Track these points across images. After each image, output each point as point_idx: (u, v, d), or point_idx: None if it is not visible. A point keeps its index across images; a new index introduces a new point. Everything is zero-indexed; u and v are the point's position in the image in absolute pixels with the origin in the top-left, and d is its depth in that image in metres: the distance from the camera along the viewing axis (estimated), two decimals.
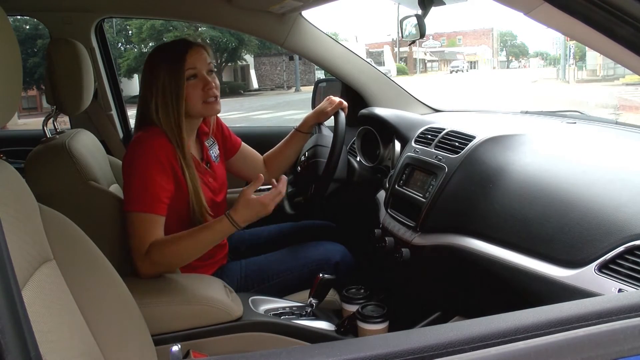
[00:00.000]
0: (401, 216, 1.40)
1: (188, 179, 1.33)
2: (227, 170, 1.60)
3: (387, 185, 1.55)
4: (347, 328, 1.31)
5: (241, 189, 2.01)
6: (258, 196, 1.23)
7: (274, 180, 1.27)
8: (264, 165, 1.71)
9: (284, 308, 1.35)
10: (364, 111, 1.80)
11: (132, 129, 2.29)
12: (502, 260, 1.02)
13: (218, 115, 1.51)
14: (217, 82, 1.39)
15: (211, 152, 1.50)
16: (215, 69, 1.42)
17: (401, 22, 1.75)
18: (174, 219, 1.32)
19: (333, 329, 1.32)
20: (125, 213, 1.28)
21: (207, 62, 1.37)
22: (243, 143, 1.68)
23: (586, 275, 0.84)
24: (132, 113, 2.58)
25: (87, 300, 0.79)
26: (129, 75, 21.71)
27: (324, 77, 2.36)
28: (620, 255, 0.81)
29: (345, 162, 1.60)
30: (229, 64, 24.28)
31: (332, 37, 2.04)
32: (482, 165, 1.21)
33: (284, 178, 1.28)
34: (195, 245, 1.24)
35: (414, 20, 1.66)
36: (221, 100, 1.43)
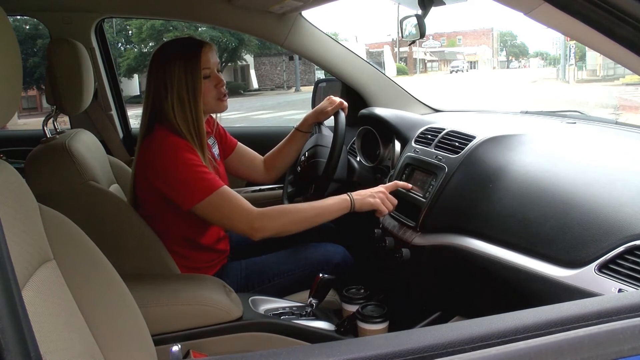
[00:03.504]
0: (401, 216, 1.40)
1: None
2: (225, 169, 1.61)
3: None
4: (347, 328, 1.30)
5: (243, 188, 2.03)
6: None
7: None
8: (262, 164, 1.72)
9: (284, 308, 1.35)
10: (364, 111, 1.79)
11: (132, 129, 2.30)
12: (502, 260, 1.02)
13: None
14: (224, 79, 1.43)
15: (213, 150, 1.52)
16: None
17: (401, 22, 1.75)
18: (185, 214, 1.31)
19: (333, 329, 1.32)
20: (199, 205, 1.26)
21: (217, 60, 1.40)
22: (239, 143, 1.70)
23: (586, 275, 0.84)
24: (132, 113, 2.59)
25: (87, 300, 0.79)
26: (129, 75, 21.72)
27: (324, 77, 2.36)
28: (620, 255, 0.81)
29: (345, 162, 1.60)
30: (229, 64, 24.26)
31: (332, 37, 2.04)
32: (482, 165, 1.21)
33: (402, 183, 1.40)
34: (315, 215, 1.32)
35: (414, 20, 1.66)
36: None
